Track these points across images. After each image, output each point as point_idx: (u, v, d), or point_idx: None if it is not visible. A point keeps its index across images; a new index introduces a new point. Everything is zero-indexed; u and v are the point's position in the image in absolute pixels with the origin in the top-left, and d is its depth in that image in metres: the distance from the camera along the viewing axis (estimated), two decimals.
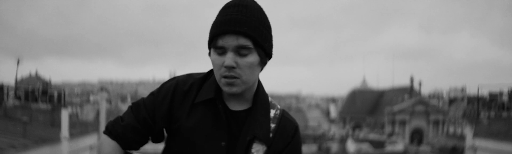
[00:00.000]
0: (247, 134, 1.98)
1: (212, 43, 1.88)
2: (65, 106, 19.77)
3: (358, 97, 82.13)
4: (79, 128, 18.40)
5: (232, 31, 1.83)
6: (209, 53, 1.94)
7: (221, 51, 1.86)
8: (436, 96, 71.73)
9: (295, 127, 2.11)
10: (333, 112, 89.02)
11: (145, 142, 2.08)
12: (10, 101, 19.33)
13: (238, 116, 2.02)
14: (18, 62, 22.40)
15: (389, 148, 47.85)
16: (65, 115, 14.06)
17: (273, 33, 2.00)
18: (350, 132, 65.09)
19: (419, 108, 64.71)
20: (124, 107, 66.60)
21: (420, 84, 71.37)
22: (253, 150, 1.99)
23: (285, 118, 2.11)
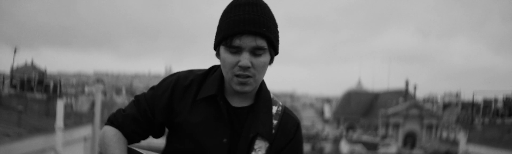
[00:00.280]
0: (250, 131, 1.99)
1: (226, 41, 1.88)
2: (60, 96, 19.68)
3: (353, 98, 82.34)
4: (74, 118, 18.32)
5: (252, 32, 1.84)
6: (216, 50, 1.97)
7: (236, 50, 1.87)
8: (431, 100, 71.86)
9: (297, 124, 2.13)
10: (328, 112, 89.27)
11: (146, 135, 2.10)
12: (6, 90, 19.25)
13: (240, 113, 2.04)
14: (15, 51, 22.28)
15: (382, 150, 47.97)
16: (60, 105, 13.95)
17: None
18: (344, 133, 65.27)
19: (413, 111, 64.82)
20: (118, 99, 66.69)
21: (415, 88, 71.64)
22: (255, 147, 2.00)
23: (287, 114, 2.12)
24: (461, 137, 28.90)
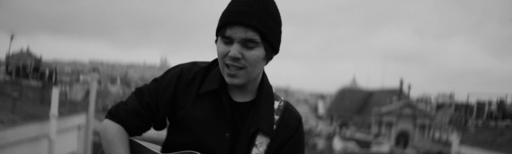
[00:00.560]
0: (251, 126, 2.00)
1: (220, 31, 1.90)
2: (56, 84, 19.59)
3: (347, 95, 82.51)
4: (68, 107, 18.25)
5: (241, 23, 1.84)
6: (216, 41, 1.96)
7: (228, 41, 1.88)
8: (424, 100, 72.07)
9: (298, 119, 2.13)
10: (321, 108, 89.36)
11: (148, 128, 2.10)
12: (1, 76, 19.19)
13: (242, 108, 2.04)
14: (11, 38, 22.19)
15: (374, 148, 48.12)
16: (55, 93, 13.85)
17: None
18: (337, 130, 65.40)
19: (407, 111, 65.00)
20: (113, 89, 66.70)
21: (409, 87, 71.79)
22: (256, 142, 2.00)
23: (288, 110, 2.12)
24: (454, 138, 28.98)
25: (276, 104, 2.09)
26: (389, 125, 64.78)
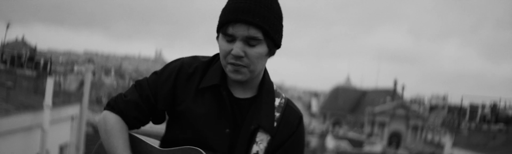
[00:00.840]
0: (251, 122, 1.98)
1: (222, 29, 1.87)
2: (50, 74, 19.50)
3: (341, 94, 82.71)
4: (62, 97, 18.13)
5: (244, 21, 1.82)
6: (217, 37, 1.94)
7: (230, 38, 1.86)
8: (418, 101, 72.32)
9: (299, 117, 2.12)
10: (315, 106, 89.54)
11: (146, 121, 2.08)
12: None
13: (243, 104, 2.02)
14: (7, 26, 22.10)
15: (367, 148, 48.37)
16: (50, 83, 13.74)
17: None
18: (330, 128, 65.53)
19: (400, 111, 65.15)
20: (107, 80, 66.67)
21: (403, 88, 71.91)
22: (257, 139, 1.99)
23: (289, 107, 2.11)
24: (447, 140, 29.11)
25: (277, 101, 2.07)
26: (382, 125, 64.95)
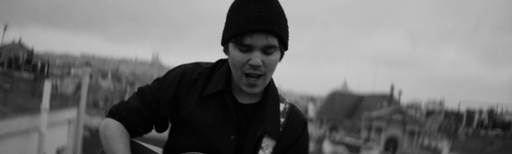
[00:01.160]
0: (257, 128, 1.96)
1: (237, 39, 1.82)
2: (48, 76, 19.46)
3: (338, 99, 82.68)
4: (59, 100, 18.07)
5: (263, 30, 1.79)
6: (224, 45, 1.92)
7: (246, 48, 1.82)
8: (414, 106, 72.48)
9: (304, 122, 2.11)
10: (311, 111, 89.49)
11: (149, 129, 2.07)
12: None
13: (247, 109, 2.00)
14: (5, 29, 22.09)
15: (364, 153, 48.19)
16: (47, 86, 13.70)
17: None
18: (327, 133, 65.48)
19: (397, 116, 65.20)
20: (104, 83, 66.55)
21: (400, 93, 71.90)
22: (263, 145, 1.97)
23: (294, 112, 2.10)
24: (444, 146, 29.09)
25: (282, 106, 2.06)
26: (379, 130, 64.95)
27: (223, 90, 1.95)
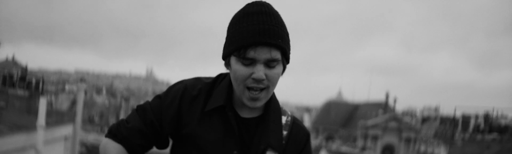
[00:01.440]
0: (260, 142, 1.94)
1: (239, 53, 1.81)
2: (43, 93, 19.46)
3: (333, 108, 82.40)
4: (55, 117, 18.06)
5: (267, 44, 1.79)
6: (226, 59, 1.91)
7: (249, 62, 1.81)
8: (410, 113, 72.41)
9: (307, 134, 2.11)
10: (307, 121, 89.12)
11: (150, 147, 2.03)
12: None
13: (249, 124, 1.98)
14: None
15: None
16: (43, 103, 13.68)
17: None
18: (323, 143, 65.32)
19: (392, 124, 65.00)
20: (99, 99, 66.35)
21: (395, 100, 71.76)
22: None
23: (296, 125, 2.09)
24: (441, 152, 29.11)
25: (284, 119, 2.05)
26: (375, 138, 64.78)
27: (224, 105, 1.93)
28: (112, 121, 54.93)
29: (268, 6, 1.86)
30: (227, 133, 1.93)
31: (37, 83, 20.90)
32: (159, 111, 1.96)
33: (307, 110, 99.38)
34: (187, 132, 1.94)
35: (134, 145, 1.95)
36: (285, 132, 2.01)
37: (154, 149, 2.06)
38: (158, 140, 2.00)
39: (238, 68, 1.83)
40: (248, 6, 1.87)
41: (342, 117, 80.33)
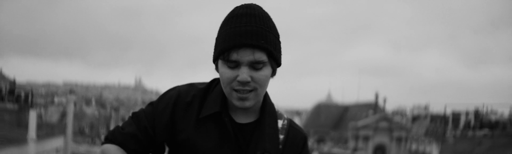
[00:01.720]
0: (257, 148, 1.90)
1: (224, 56, 1.78)
2: (32, 106, 19.41)
3: (323, 110, 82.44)
4: (45, 129, 18.04)
5: (248, 45, 1.74)
6: (215, 63, 1.88)
7: (234, 65, 1.78)
8: (400, 112, 72.56)
9: (304, 137, 2.08)
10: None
11: (146, 153, 1.98)
12: None
13: (246, 129, 1.95)
14: None
15: None
16: (33, 116, 13.68)
17: None
18: (315, 146, 65.28)
19: (383, 124, 65.06)
20: (88, 110, 66.04)
21: (384, 100, 71.90)
22: None
23: (293, 128, 2.06)
24: (433, 149, 29.17)
25: (280, 123, 2.03)
26: (366, 138, 64.79)
27: (220, 111, 1.90)
28: (103, 131, 54.65)
29: (256, 8, 1.84)
30: (223, 139, 1.91)
31: (26, 96, 20.82)
32: (152, 118, 1.95)
33: (297, 113, 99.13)
34: (183, 138, 1.92)
35: (129, 150, 1.94)
36: (281, 136, 2.00)
37: None
38: (153, 147, 1.98)
39: (224, 71, 1.80)
40: (235, 9, 1.86)
41: (332, 119, 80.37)
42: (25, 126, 14.65)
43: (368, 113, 69.39)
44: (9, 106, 18.77)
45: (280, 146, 1.96)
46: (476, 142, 29.35)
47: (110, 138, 1.97)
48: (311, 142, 72.34)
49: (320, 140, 75.10)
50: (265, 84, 1.84)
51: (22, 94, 20.55)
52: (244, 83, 1.78)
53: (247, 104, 1.84)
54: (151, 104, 2.00)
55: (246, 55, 1.75)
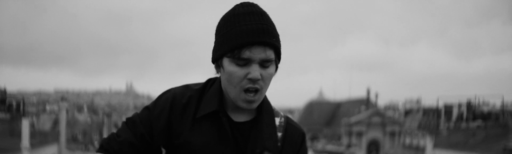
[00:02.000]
0: (255, 146, 1.89)
1: (234, 53, 1.76)
2: (24, 115, 19.38)
3: (315, 108, 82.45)
4: (38, 138, 17.98)
5: (262, 43, 1.75)
6: (216, 62, 1.86)
7: (244, 62, 1.76)
8: (392, 107, 72.55)
9: (302, 134, 2.07)
10: None
11: None
12: None
13: (243, 128, 1.92)
14: None
15: None
16: (25, 124, 13.68)
17: None
18: (309, 144, 65.29)
19: (376, 119, 65.09)
20: (80, 117, 65.80)
21: (376, 96, 71.96)
22: None
23: (290, 125, 2.04)
24: (427, 143, 29.23)
25: (277, 121, 2.01)
26: (359, 134, 64.81)
27: (217, 110, 1.88)
28: (96, 138, 54.44)
29: (258, 6, 1.84)
30: (221, 139, 1.88)
31: (18, 105, 20.84)
32: (148, 123, 1.91)
33: (290, 112, 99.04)
34: (180, 142, 1.88)
35: None
36: (279, 134, 1.98)
37: None
38: (150, 152, 1.94)
39: (233, 69, 1.78)
40: (237, 7, 1.84)
41: (325, 116, 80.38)
42: (18, 135, 14.62)
43: (361, 109, 69.41)
44: (1, 115, 18.74)
45: (279, 144, 1.96)
46: (470, 133, 29.49)
47: (106, 147, 1.93)
48: None
49: (314, 138, 75.09)
50: (269, 82, 1.85)
51: (14, 103, 20.55)
52: (254, 81, 1.77)
53: (254, 105, 1.85)
54: (147, 108, 1.96)
55: (258, 53, 1.75)
